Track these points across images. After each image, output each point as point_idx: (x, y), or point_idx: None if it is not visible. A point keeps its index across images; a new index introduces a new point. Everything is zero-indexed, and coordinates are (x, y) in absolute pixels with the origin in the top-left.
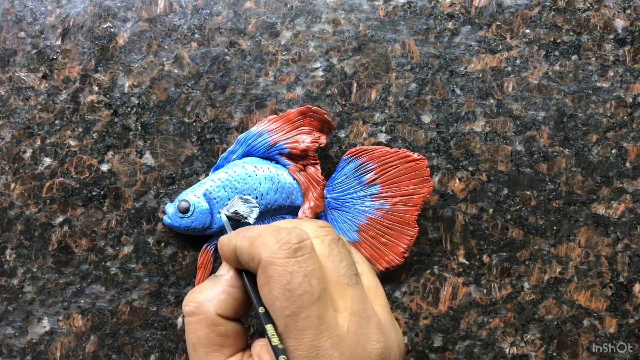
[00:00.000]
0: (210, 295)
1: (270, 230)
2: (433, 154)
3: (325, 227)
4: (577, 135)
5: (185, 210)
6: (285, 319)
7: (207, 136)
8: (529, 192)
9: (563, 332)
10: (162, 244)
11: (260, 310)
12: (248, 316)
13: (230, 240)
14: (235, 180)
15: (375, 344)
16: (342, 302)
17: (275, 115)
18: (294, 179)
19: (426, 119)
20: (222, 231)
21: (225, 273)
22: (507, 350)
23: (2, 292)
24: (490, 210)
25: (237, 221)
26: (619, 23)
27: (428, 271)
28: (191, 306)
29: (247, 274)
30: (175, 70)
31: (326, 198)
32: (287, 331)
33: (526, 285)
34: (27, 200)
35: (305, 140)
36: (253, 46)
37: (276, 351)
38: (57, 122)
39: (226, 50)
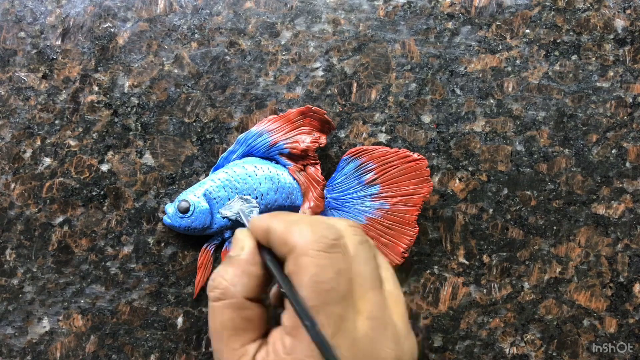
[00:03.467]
0: (233, 279)
1: (308, 221)
2: (433, 154)
3: (355, 227)
4: (577, 135)
5: (185, 210)
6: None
7: (207, 136)
8: (529, 192)
9: (563, 332)
10: (162, 244)
11: (282, 289)
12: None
13: (265, 220)
14: (235, 180)
15: (389, 351)
16: (362, 305)
17: (275, 115)
18: (294, 179)
19: (426, 119)
20: (222, 231)
21: (240, 252)
22: (507, 350)
23: (2, 292)
24: (490, 210)
25: (236, 221)
26: (619, 23)
27: (428, 271)
28: (216, 292)
29: (268, 252)
30: (175, 70)
31: (326, 198)
32: None
33: (526, 285)
34: (27, 200)
35: (305, 140)
36: (253, 46)
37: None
38: (57, 122)
39: (226, 50)
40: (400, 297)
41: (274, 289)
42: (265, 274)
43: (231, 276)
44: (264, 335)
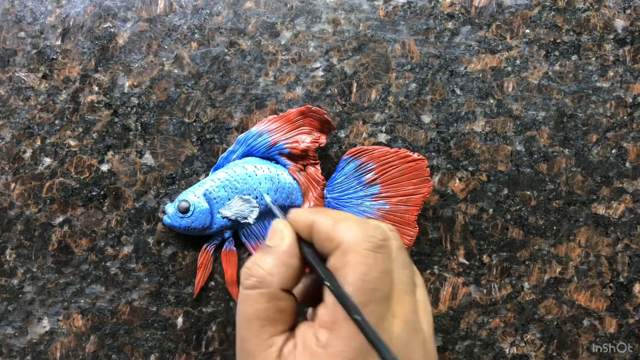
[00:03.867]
0: (271, 269)
1: (357, 219)
2: (433, 154)
3: (394, 231)
4: (577, 135)
5: (185, 210)
6: None
7: (207, 136)
8: (529, 192)
9: (563, 332)
10: (162, 244)
11: (326, 283)
12: None
13: (309, 214)
14: (235, 180)
15: (418, 356)
16: (398, 307)
17: (275, 115)
18: (294, 179)
19: (426, 119)
20: (222, 231)
21: (280, 243)
22: (507, 350)
23: (2, 292)
24: (490, 210)
25: (236, 221)
26: (619, 23)
27: (428, 271)
28: (252, 280)
29: (308, 245)
30: (175, 70)
31: (326, 198)
32: None
33: (526, 285)
34: (27, 200)
35: (305, 140)
36: (253, 46)
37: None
38: (57, 122)
39: (226, 50)
40: (428, 306)
41: (300, 285)
42: (302, 267)
43: (270, 265)
44: (292, 327)
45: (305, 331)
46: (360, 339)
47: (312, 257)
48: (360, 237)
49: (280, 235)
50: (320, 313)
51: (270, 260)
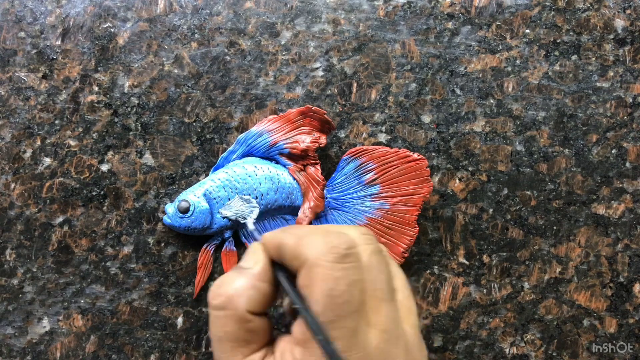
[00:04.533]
0: (239, 290)
1: (319, 232)
2: (433, 154)
3: (368, 235)
4: (577, 135)
5: (185, 210)
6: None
7: (207, 136)
8: (529, 192)
9: (563, 332)
10: (162, 244)
11: (294, 305)
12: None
13: (275, 235)
14: (235, 180)
15: None
16: (374, 316)
17: (275, 115)
18: (294, 179)
19: (426, 119)
20: (222, 231)
21: (253, 266)
22: (507, 350)
23: (2, 292)
24: (490, 210)
25: (236, 221)
26: (619, 23)
27: (428, 271)
28: (219, 300)
29: (281, 268)
30: (175, 70)
31: (326, 198)
32: None
33: (526, 285)
34: (27, 200)
35: (305, 140)
36: (253, 46)
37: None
38: (57, 122)
39: (226, 50)
40: (413, 307)
41: (287, 301)
42: (273, 292)
43: (238, 286)
44: (268, 343)
45: (284, 347)
46: None
47: (283, 280)
48: (323, 250)
49: (254, 258)
50: (295, 330)
51: (240, 281)
